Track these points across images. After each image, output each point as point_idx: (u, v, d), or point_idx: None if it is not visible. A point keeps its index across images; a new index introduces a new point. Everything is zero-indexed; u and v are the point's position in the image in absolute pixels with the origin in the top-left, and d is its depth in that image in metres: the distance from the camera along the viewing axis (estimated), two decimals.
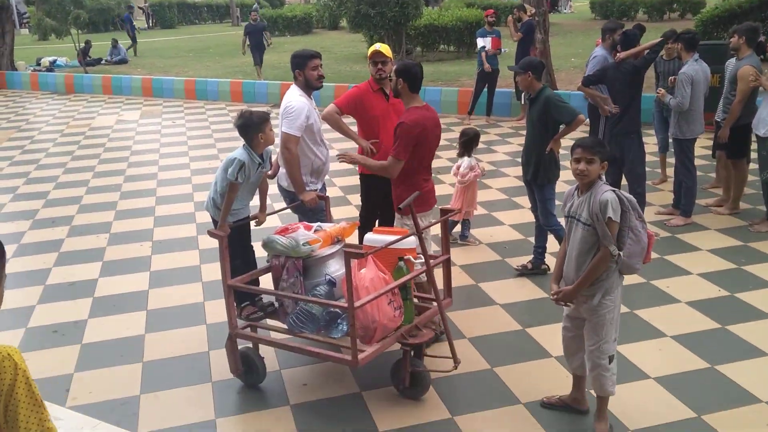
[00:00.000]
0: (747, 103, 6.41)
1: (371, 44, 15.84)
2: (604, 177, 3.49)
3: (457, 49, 20.24)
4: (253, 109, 4.54)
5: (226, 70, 19.42)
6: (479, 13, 20.77)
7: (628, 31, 6.53)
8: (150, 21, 40.58)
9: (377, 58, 4.94)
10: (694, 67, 6.38)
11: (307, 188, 4.73)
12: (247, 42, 16.50)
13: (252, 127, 4.15)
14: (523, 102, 11.01)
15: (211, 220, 4.50)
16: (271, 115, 4.45)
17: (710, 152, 7.99)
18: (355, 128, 5.20)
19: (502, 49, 12.19)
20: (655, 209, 7.01)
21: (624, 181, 6.38)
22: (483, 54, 11.24)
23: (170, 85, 16.63)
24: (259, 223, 4.53)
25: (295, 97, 4.67)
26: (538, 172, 5.35)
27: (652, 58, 6.22)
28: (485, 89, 11.61)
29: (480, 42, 11.38)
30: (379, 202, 5.11)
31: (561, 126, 5.23)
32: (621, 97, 6.12)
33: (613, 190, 3.35)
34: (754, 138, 6.44)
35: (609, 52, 6.96)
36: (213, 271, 5.72)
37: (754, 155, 6.77)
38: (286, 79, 15.14)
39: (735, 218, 6.75)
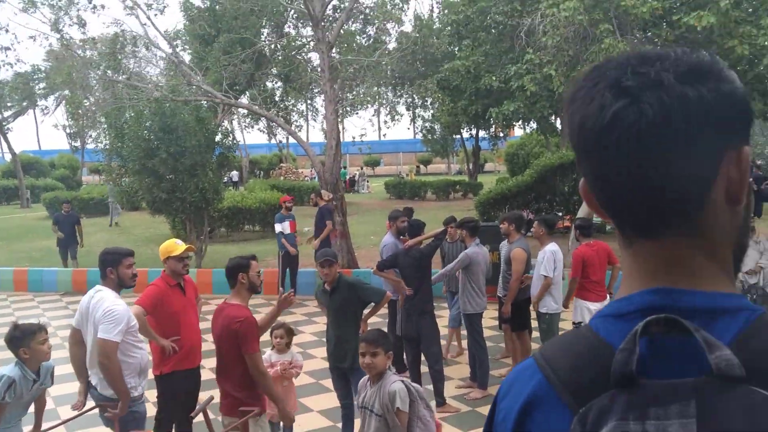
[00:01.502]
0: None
1: (173, 226, 15.66)
2: (392, 367, 3.64)
3: (262, 229, 20.66)
4: (25, 322, 4.17)
5: (12, 256, 17.90)
6: (282, 194, 21.65)
7: (414, 221, 7.16)
8: None
9: (185, 254, 4.93)
10: (475, 250, 7.07)
11: (135, 392, 4.37)
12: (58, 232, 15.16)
13: (14, 342, 3.81)
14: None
15: None
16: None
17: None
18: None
19: (306, 228, 12.65)
20: (455, 383, 7.31)
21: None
22: (283, 239, 11.64)
23: None
24: None
25: (113, 299, 4.35)
26: (356, 357, 5.41)
27: (437, 244, 6.82)
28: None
29: (278, 227, 11.78)
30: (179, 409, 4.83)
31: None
32: (411, 280, 6.55)
33: (402, 380, 3.48)
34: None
35: (397, 237, 7.54)
36: None
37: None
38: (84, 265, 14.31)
39: None
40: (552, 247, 6.95)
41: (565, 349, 0.87)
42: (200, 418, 4.75)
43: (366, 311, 5.66)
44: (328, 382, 7.38)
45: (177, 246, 4.99)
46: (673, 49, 0.82)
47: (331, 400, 6.95)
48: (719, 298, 0.82)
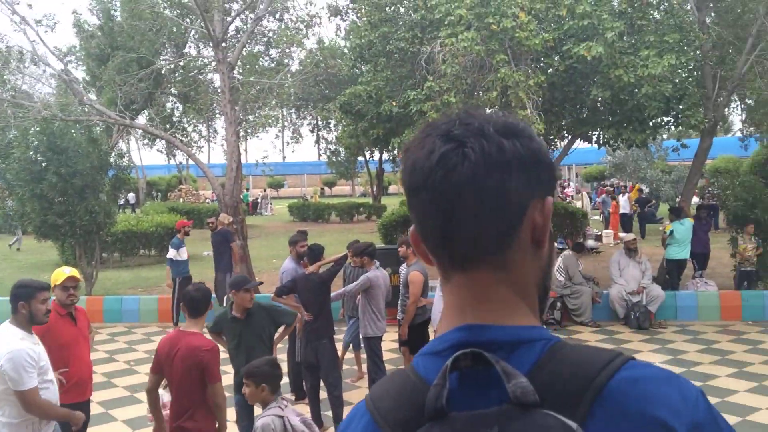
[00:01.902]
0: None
1: (62, 251, 14.85)
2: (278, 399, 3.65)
3: (159, 254, 19.93)
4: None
5: None
6: (182, 218, 20.99)
7: (314, 245, 7.13)
8: None
9: (69, 284, 4.67)
10: (375, 273, 7.11)
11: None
12: None
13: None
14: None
15: None
16: None
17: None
18: None
19: (205, 253, 12.31)
20: None
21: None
22: (168, 268, 11.30)
23: None
24: None
25: (16, 343, 3.94)
26: None
27: (337, 270, 6.81)
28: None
29: (172, 254, 11.31)
30: None
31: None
32: (312, 306, 6.50)
33: (273, 416, 3.49)
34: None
35: (297, 262, 7.47)
36: None
37: None
38: None
39: None
40: None
41: (389, 388, 0.94)
42: None
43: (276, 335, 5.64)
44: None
45: (61, 274, 4.74)
46: (494, 111, 0.96)
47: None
48: (520, 330, 0.90)
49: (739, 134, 33.08)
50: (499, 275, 0.92)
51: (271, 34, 20.12)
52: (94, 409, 7.37)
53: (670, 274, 11.87)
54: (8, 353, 3.86)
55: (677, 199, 14.80)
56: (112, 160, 13.97)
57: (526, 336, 0.89)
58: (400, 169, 0.98)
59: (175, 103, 25.96)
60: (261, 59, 21.08)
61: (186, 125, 26.43)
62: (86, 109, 14.46)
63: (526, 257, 0.93)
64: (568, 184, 36.25)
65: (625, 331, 10.44)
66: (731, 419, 6.68)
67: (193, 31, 21.40)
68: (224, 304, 10.62)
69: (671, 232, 11.90)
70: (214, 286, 11.24)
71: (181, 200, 32.75)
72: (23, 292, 4.13)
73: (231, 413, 5.79)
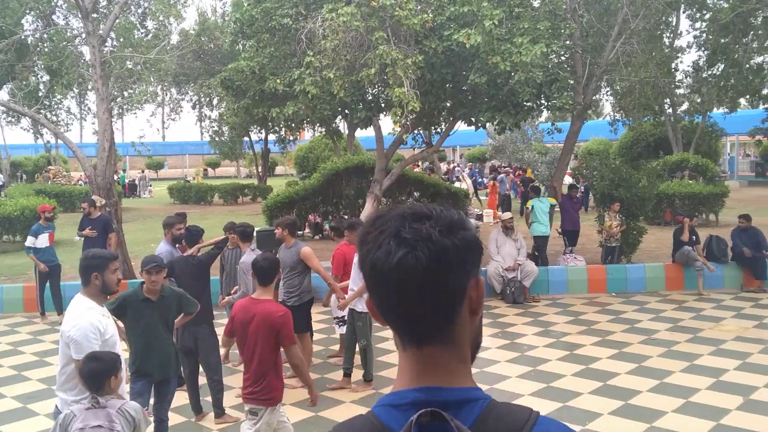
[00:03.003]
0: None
1: None
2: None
3: (24, 240, 18.60)
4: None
5: None
6: (50, 201, 19.66)
7: (192, 227, 6.89)
8: None
9: None
10: (251, 256, 6.96)
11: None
12: None
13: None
14: None
15: None
16: None
17: None
18: None
19: (76, 238, 11.57)
20: (235, 392, 7.15)
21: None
22: (31, 255, 10.45)
23: None
24: None
25: (84, 312, 4.07)
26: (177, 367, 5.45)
27: (217, 253, 6.63)
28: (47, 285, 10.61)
29: (30, 241, 10.48)
30: None
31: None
32: (191, 290, 6.25)
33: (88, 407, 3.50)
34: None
35: (173, 246, 7.19)
36: None
37: None
38: None
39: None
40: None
41: (354, 431, 1.15)
42: None
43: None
44: None
45: None
46: (434, 208, 1.18)
47: None
48: (465, 391, 1.16)
49: (608, 118, 35.22)
50: (446, 347, 1.17)
51: (146, 5, 19.13)
52: None
53: (538, 250, 12.50)
54: (75, 322, 4.03)
55: (551, 180, 15.57)
56: None
57: (470, 396, 1.15)
58: (359, 256, 1.19)
59: (42, 76, 24.18)
60: (136, 32, 19.99)
61: (53, 101, 24.66)
62: None
63: (466, 326, 1.19)
64: (456, 165, 37.21)
65: (501, 305, 10.90)
66: (594, 384, 7.17)
67: (61, 0, 19.94)
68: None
69: (532, 207, 12.61)
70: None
71: (50, 182, 30.61)
72: (96, 263, 4.19)
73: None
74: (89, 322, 4.02)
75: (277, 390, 4.75)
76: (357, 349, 7.15)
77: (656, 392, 6.91)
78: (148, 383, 5.19)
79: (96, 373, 3.60)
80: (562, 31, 11.57)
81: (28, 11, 20.27)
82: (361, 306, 7.02)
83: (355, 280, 6.94)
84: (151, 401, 5.30)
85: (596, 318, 10.05)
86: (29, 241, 10.53)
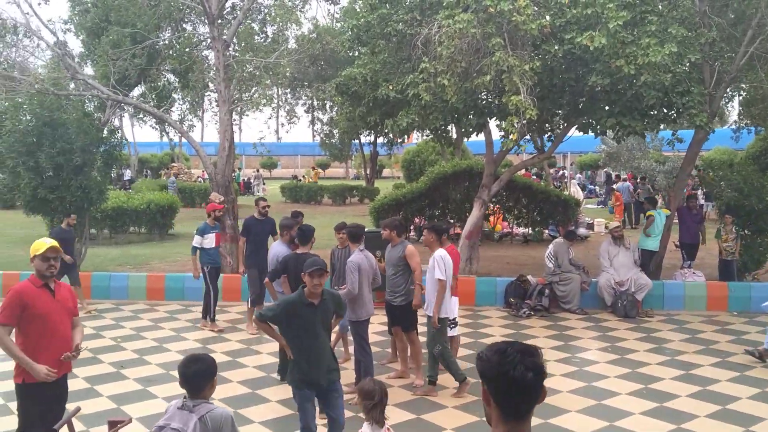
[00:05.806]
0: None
1: (52, 226, 14.82)
2: None
3: (149, 231, 19.88)
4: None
5: None
6: (171, 197, 20.90)
7: (304, 226, 7.10)
8: None
9: (50, 254, 4.63)
10: (360, 256, 7.08)
11: None
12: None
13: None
14: None
15: None
16: None
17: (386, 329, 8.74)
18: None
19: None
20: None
21: None
22: (194, 257, 10.13)
23: None
24: None
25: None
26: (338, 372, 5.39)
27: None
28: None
29: (197, 241, 10.02)
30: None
31: None
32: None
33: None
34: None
35: (288, 246, 7.44)
36: None
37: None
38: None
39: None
40: (440, 252, 7.11)
41: None
42: (65, 430, 4.51)
43: None
44: (265, 392, 7.32)
45: (42, 244, 4.70)
46: (534, 347, 2.07)
47: (270, 410, 6.82)
48: None
49: (733, 126, 33.06)
50: (529, 417, 2.05)
51: (267, 11, 19.92)
52: (79, 384, 7.40)
53: (642, 265, 11.85)
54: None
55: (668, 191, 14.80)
56: (104, 135, 13.88)
57: None
58: (492, 375, 2.03)
59: (170, 79, 25.74)
60: (257, 37, 20.85)
61: (179, 102, 26.20)
62: (78, 84, 14.32)
63: None
64: (565, 171, 36.20)
65: (611, 319, 10.50)
66: (712, 407, 6.76)
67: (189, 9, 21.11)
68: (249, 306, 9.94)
69: (652, 218, 12.07)
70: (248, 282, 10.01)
71: (173, 178, 32.52)
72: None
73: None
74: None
75: None
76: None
77: None
78: (313, 393, 5.14)
79: (199, 374, 3.50)
80: (701, 39, 10.96)
81: (161, 20, 21.65)
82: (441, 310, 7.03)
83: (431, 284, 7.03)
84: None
85: (715, 338, 9.47)
86: (196, 240, 10.06)
